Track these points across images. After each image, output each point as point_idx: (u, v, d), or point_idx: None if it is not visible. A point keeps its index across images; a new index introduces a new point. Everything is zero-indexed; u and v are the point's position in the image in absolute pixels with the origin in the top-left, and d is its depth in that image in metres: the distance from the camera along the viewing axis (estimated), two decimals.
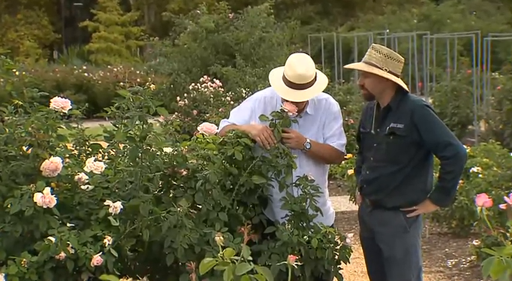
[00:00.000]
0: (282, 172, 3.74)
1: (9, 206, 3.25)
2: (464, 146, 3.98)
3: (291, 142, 3.82)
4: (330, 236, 3.71)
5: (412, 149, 3.84)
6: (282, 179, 3.75)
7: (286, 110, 3.72)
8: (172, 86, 15.43)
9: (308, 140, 3.87)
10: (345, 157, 8.21)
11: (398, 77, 3.87)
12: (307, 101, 3.91)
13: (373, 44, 3.97)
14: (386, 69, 3.83)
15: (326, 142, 3.96)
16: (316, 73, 3.88)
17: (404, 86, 3.88)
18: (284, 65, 3.91)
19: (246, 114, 3.97)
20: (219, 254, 2.10)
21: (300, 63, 3.83)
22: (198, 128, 3.99)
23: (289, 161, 3.76)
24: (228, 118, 4.10)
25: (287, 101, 3.78)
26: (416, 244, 3.97)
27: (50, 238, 3.17)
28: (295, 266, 2.32)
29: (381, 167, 3.92)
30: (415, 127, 3.80)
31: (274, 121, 3.77)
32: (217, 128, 3.97)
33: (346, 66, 4.07)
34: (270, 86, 3.96)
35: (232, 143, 3.72)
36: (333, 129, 3.98)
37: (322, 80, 3.93)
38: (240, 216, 3.71)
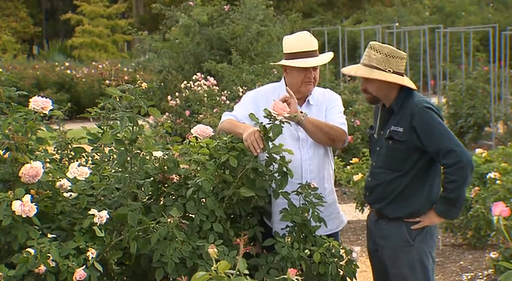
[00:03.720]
0: (276, 181, 3.72)
1: None
2: (472, 153, 3.96)
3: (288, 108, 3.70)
4: (333, 250, 3.71)
5: (414, 156, 3.82)
6: (277, 187, 3.73)
7: (274, 114, 3.60)
8: (162, 84, 15.47)
9: (303, 113, 3.88)
10: (351, 161, 8.29)
11: (402, 76, 3.87)
12: (309, 94, 4.07)
13: (371, 43, 3.92)
14: (390, 70, 3.82)
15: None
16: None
17: (411, 85, 3.87)
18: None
19: (250, 106, 4.01)
20: (212, 268, 2.11)
21: (298, 34, 4.12)
22: (192, 130, 4.01)
23: (282, 169, 3.71)
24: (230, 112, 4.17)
25: (278, 103, 3.68)
26: (424, 259, 3.92)
27: (29, 249, 3.16)
28: None
29: (382, 174, 3.93)
30: (414, 131, 3.77)
31: (263, 124, 3.68)
32: (213, 130, 4.04)
33: (344, 70, 4.04)
34: (268, 83, 4.00)
35: (227, 148, 3.71)
36: (333, 114, 4.07)
37: (327, 54, 4.18)
38: (231, 229, 3.69)
